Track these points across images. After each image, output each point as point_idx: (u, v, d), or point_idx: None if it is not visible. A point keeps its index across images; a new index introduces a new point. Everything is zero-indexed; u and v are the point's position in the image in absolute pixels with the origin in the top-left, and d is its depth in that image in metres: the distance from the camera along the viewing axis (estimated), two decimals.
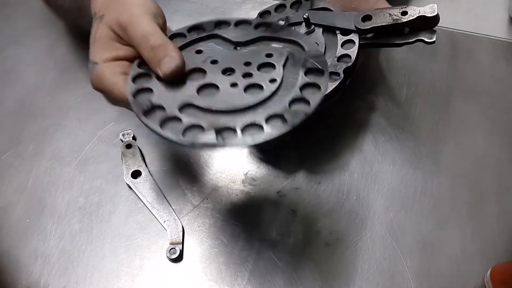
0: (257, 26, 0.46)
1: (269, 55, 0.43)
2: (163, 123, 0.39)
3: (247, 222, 0.51)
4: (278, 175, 0.53)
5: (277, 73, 0.42)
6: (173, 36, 0.46)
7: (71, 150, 0.56)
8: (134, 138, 0.56)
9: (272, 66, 0.42)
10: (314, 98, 0.40)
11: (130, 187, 0.53)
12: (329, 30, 0.53)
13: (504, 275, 0.42)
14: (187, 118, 0.39)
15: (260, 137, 0.38)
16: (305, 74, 0.41)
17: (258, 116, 0.39)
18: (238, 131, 0.38)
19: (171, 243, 0.49)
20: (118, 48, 0.43)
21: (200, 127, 0.38)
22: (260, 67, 0.42)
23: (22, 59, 0.64)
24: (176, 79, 0.41)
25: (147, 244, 0.50)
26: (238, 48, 0.45)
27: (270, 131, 0.38)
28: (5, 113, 0.60)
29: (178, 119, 0.39)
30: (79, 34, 0.66)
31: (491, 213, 0.50)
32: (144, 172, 0.53)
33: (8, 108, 0.60)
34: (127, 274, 0.48)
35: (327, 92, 0.47)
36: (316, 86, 0.41)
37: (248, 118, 0.39)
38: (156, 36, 0.41)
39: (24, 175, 0.55)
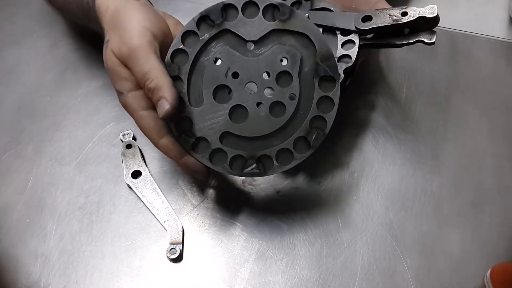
0: (265, 11, 0.47)
1: (283, 59, 0.47)
2: (212, 156, 0.46)
3: (247, 222, 0.51)
4: (278, 175, 0.53)
5: (295, 86, 0.46)
6: (185, 35, 0.47)
7: (71, 150, 0.56)
8: (134, 138, 0.56)
9: (289, 75, 0.46)
10: (329, 115, 0.46)
11: (130, 187, 0.53)
12: (329, 30, 0.53)
13: (504, 275, 0.42)
14: (228, 147, 0.46)
15: (290, 164, 0.46)
16: (319, 85, 0.46)
17: (286, 140, 0.46)
18: (274, 159, 0.46)
19: (171, 243, 0.49)
20: (125, 79, 0.44)
21: (242, 157, 0.46)
22: (278, 77, 0.47)
23: (22, 59, 0.64)
24: (171, 118, 0.45)
25: (147, 244, 0.50)
26: (252, 48, 0.47)
27: (297, 155, 0.46)
28: (5, 113, 0.60)
29: (222, 151, 0.46)
30: (79, 34, 0.66)
31: (491, 213, 0.50)
32: (144, 172, 0.53)
33: (8, 108, 0.60)
34: (127, 274, 0.48)
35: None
36: (330, 99, 0.46)
37: (278, 141, 0.46)
38: (152, 76, 0.42)
39: (24, 175, 0.55)
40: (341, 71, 0.49)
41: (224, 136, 0.46)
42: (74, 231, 0.51)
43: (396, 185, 0.52)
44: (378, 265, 0.48)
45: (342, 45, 0.51)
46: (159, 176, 0.54)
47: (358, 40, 0.51)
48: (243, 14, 0.47)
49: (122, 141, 0.55)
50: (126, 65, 0.44)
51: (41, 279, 0.48)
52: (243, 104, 0.46)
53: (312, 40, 0.47)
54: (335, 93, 0.46)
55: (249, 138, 0.46)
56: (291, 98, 0.46)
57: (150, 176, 0.53)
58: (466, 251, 0.48)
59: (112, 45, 0.44)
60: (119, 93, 0.44)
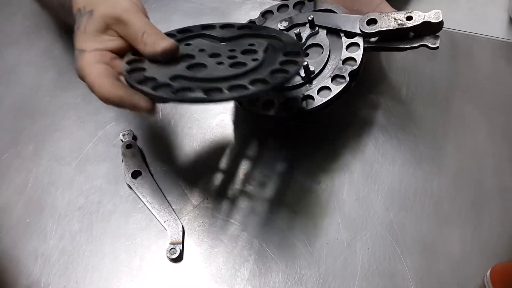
0: (240, 28, 0.52)
1: (251, 44, 0.48)
2: (156, 88, 0.43)
3: (247, 222, 0.51)
4: (278, 175, 0.53)
5: (259, 54, 0.47)
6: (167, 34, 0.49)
7: (71, 150, 0.56)
8: (134, 138, 0.56)
9: (254, 51, 0.47)
10: (293, 68, 0.45)
11: (130, 187, 0.53)
12: (333, 32, 0.53)
13: (504, 275, 0.42)
14: (177, 84, 0.43)
15: (244, 92, 0.42)
16: (284, 55, 0.47)
17: (243, 81, 0.43)
18: (225, 90, 0.42)
19: (171, 243, 0.49)
20: (108, 40, 0.46)
21: (189, 89, 0.42)
22: (244, 52, 0.47)
23: (22, 59, 0.64)
24: (170, 58, 0.46)
25: (147, 244, 0.50)
26: (223, 43, 0.50)
27: (253, 88, 0.42)
28: (5, 113, 0.60)
29: (169, 85, 0.43)
30: None
31: (491, 213, 0.50)
32: (144, 172, 0.53)
33: (8, 108, 0.60)
34: (127, 274, 0.48)
35: (333, 95, 0.49)
36: (294, 62, 0.46)
37: (233, 82, 0.43)
38: (151, 30, 0.45)
39: (24, 175, 0.55)
40: (346, 74, 0.49)
41: (176, 78, 0.44)
42: (74, 231, 0.51)
43: (396, 185, 0.52)
44: (378, 265, 0.48)
45: (347, 47, 0.51)
46: (159, 176, 0.54)
47: (363, 43, 0.51)
48: (220, 28, 0.52)
49: (122, 141, 0.55)
50: (121, 25, 0.46)
51: (41, 279, 0.48)
52: (204, 62, 0.46)
53: (281, 38, 0.49)
54: (299, 59, 0.46)
55: (203, 79, 0.44)
56: (254, 60, 0.46)
57: (150, 176, 0.53)
58: (466, 251, 0.48)
59: (100, 11, 0.46)
60: (81, 52, 0.45)
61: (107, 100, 0.43)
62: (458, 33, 0.63)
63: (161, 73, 0.44)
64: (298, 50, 0.48)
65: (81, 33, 0.46)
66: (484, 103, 0.57)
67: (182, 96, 0.42)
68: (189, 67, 0.45)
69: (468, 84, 0.59)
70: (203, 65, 0.45)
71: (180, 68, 0.45)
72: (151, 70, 0.45)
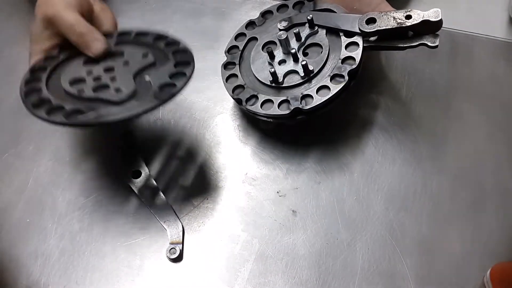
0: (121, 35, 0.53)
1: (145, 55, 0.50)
2: (49, 112, 0.45)
3: (247, 222, 0.51)
4: (278, 175, 0.53)
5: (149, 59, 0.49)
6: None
7: (71, 150, 0.56)
8: (134, 138, 0.56)
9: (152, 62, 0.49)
10: (181, 82, 0.45)
11: (130, 187, 0.53)
12: (333, 31, 0.53)
13: (504, 275, 0.42)
14: (69, 105, 0.45)
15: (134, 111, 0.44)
16: (175, 66, 0.48)
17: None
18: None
19: (171, 243, 0.49)
20: (47, 40, 0.50)
21: (81, 111, 0.44)
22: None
23: (22, 59, 0.64)
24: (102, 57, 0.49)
25: (147, 244, 0.50)
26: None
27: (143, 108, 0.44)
28: (5, 113, 0.60)
29: (62, 108, 0.45)
30: None
31: (491, 213, 0.50)
32: (144, 172, 0.53)
33: (8, 108, 0.60)
34: (127, 274, 0.48)
35: (332, 94, 0.49)
36: (183, 74, 0.46)
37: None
38: (81, 25, 0.49)
39: (24, 175, 0.55)
40: (345, 73, 0.49)
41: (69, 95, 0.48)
42: (74, 231, 0.51)
43: (396, 185, 0.52)
44: (378, 265, 0.48)
45: (346, 46, 0.51)
46: (159, 176, 0.54)
47: (362, 42, 0.51)
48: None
49: (122, 141, 0.55)
50: (52, 24, 0.49)
51: (41, 279, 0.48)
52: (84, 78, 0.49)
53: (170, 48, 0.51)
54: (188, 69, 0.47)
55: (94, 99, 0.46)
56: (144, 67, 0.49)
57: (150, 176, 0.53)
58: (466, 251, 0.48)
59: (39, 14, 0.50)
60: (35, 53, 0.50)
61: None
62: (458, 33, 0.63)
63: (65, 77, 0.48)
64: (189, 59, 0.48)
65: (30, 37, 0.51)
66: (484, 103, 0.57)
67: (74, 120, 0.44)
68: (71, 83, 0.48)
69: (468, 84, 0.59)
70: (83, 81, 0.48)
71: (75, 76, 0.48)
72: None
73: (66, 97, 0.47)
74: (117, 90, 0.46)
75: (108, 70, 0.48)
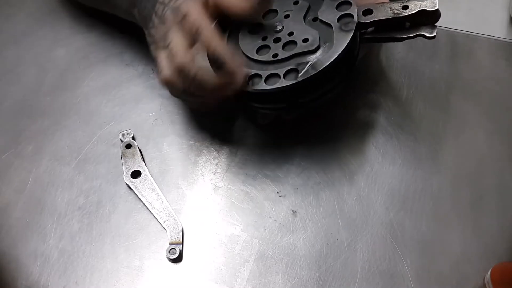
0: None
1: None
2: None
3: (247, 222, 0.51)
4: (278, 175, 0.53)
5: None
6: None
7: (71, 150, 0.56)
8: (133, 138, 0.56)
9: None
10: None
11: (130, 187, 0.53)
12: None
13: (504, 275, 0.42)
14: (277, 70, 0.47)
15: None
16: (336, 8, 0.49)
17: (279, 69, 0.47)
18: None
19: (171, 243, 0.49)
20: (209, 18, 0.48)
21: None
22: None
23: (22, 59, 0.64)
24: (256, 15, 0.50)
25: (147, 244, 0.50)
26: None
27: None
28: (5, 113, 0.60)
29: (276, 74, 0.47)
30: (79, 34, 0.66)
31: (491, 213, 0.50)
32: (144, 172, 0.53)
33: (8, 108, 0.60)
34: (127, 274, 0.48)
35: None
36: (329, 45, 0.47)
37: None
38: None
39: (24, 175, 0.55)
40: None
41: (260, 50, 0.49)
42: (73, 231, 0.51)
43: (396, 185, 0.52)
44: (378, 265, 0.48)
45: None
46: (159, 176, 0.54)
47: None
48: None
49: (122, 141, 0.55)
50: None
51: (41, 279, 0.48)
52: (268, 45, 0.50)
53: None
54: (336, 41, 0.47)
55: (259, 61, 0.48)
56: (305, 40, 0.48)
57: (150, 176, 0.53)
58: (466, 251, 0.48)
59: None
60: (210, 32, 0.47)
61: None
62: (458, 33, 0.63)
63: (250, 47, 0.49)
64: None
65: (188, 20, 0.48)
66: (484, 103, 0.57)
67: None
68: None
69: (468, 84, 0.59)
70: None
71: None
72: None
73: (262, 66, 0.48)
74: (305, 40, 0.47)
75: (277, 31, 0.49)
